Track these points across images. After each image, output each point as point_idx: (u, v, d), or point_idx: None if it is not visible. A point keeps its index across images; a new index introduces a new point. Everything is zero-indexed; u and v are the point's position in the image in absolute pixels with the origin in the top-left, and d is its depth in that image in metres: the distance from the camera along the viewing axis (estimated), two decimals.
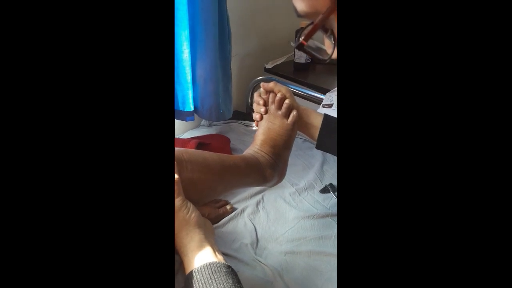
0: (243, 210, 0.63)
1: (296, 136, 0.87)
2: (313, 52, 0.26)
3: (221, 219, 0.61)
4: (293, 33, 0.90)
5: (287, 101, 0.49)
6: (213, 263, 0.30)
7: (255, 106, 0.52)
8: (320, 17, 0.21)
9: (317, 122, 0.52)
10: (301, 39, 0.23)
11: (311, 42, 0.23)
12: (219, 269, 0.29)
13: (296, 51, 0.91)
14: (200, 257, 0.32)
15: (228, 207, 0.63)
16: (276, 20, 0.98)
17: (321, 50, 0.26)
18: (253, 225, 0.60)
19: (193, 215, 0.35)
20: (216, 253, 0.33)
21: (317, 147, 0.54)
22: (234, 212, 0.62)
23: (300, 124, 0.52)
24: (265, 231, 0.59)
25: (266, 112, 0.50)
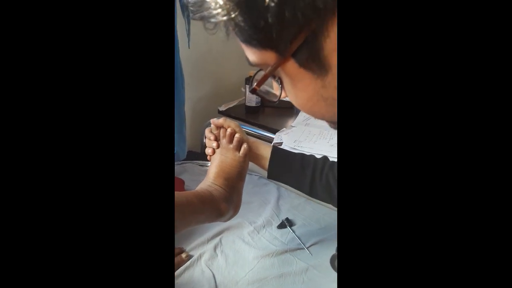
0: (200, 257, 0.59)
1: (252, 173, 0.89)
2: (264, 96, 0.29)
3: (176, 270, 0.56)
4: (243, 79, 0.98)
5: (237, 135, 0.51)
6: None
7: (207, 141, 0.54)
8: (269, 68, 0.24)
9: (267, 152, 0.54)
10: (254, 85, 0.26)
11: (262, 87, 0.26)
12: None
13: (247, 95, 0.97)
14: None
15: (183, 255, 0.59)
16: (228, 67, 1.06)
17: (270, 93, 0.29)
18: (211, 271, 0.57)
19: None
20: None
21: (269, 177, 0.56)
22: (190, 260, 0.58)
23: (251, 155, 0.54)
24: (224, 277, 0.56)
25: (218, 146, 0.52)
